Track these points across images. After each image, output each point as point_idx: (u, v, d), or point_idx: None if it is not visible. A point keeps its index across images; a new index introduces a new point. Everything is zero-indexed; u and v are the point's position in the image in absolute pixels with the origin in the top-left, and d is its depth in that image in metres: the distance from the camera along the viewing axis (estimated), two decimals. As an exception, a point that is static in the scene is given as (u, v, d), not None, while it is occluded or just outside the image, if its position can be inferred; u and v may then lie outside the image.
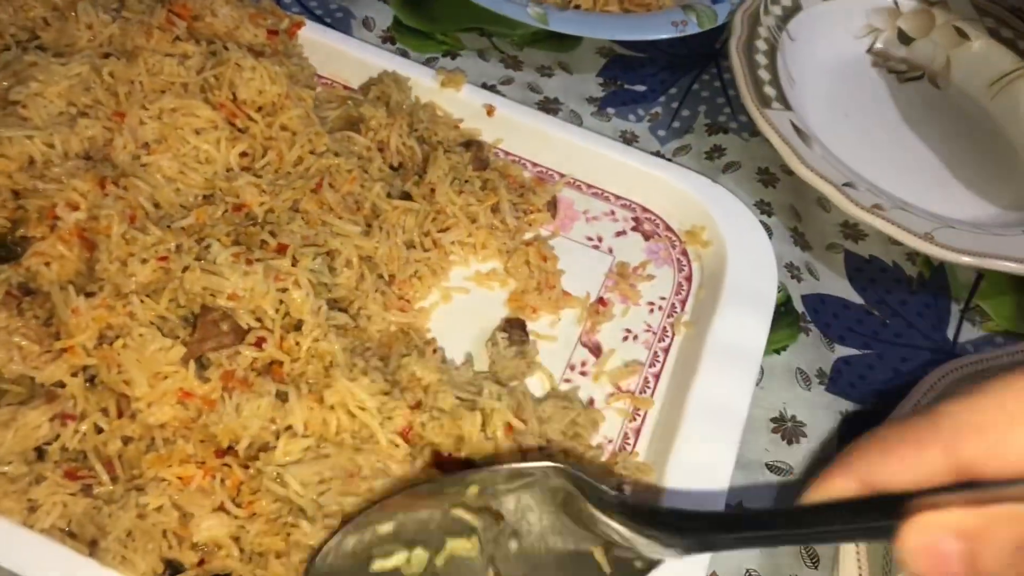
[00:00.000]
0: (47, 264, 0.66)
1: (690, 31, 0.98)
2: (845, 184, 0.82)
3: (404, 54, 0.98)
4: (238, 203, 0.73)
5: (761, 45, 0.95)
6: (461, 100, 0.90)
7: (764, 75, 0.91)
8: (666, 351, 0.79)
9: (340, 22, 0.99)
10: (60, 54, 0.76)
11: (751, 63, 0.92)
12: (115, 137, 0.72)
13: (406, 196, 0.79)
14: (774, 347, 0.80)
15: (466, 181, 0.81)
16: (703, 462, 0.68)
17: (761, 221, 0.85)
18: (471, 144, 0.85)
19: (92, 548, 0.60)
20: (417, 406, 0.64)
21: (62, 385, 0.63)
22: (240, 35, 0.82)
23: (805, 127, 0.88)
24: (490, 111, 0.88)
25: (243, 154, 0.76)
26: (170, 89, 0.76)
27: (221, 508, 0.61)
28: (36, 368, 0.62)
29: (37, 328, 0.63)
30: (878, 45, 1.08)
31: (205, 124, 0.75)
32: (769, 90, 0.90)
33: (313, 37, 0.91)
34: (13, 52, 0.76)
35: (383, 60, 0.91)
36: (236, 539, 0.61)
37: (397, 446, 0.62)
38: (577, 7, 1.02)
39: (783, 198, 0.91)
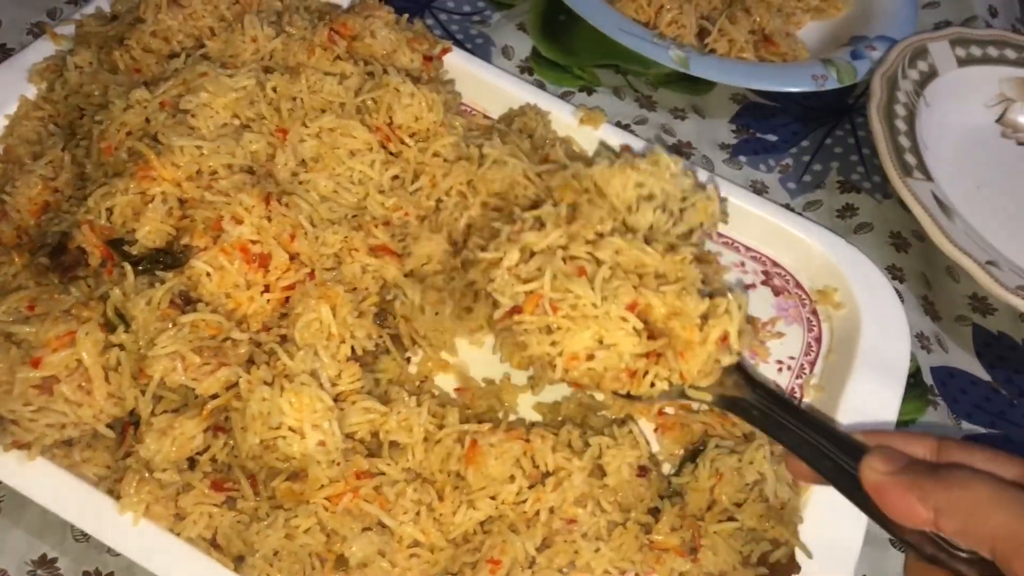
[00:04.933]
0: (208, 275, 0.67)
1: (829, 86, 0.97)
2: (988, 262, 0.81)
3: (541, 86, 0.98)
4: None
5: (900, 110, 0.94)
6: (598, 138, 0.90)
7: (904, 142, 0.91)
8: (794, 413, 0.78)
9: (480, 48, 1.00)
10: (224, 65, 0.78)
11: (892, 129, 0.91)
12: (277, 153, 0.73)
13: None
14: (902, 419, 0.79)
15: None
16: (832, 539, 0.67)
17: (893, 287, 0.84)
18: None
19: (237, 563, 0.61)
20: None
21: (215, 396, 0.64)
22: (397, 59, 0.83)
23: (946, 199, 0.87)
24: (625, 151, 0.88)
25: (394, 177, 0.77)
26: (329, 108, 0.77)
27: (368, 528, 0.62)
28: (195, 380, 0.63)
29: (198, 339, 0.64)
30: (1008, 115, 1.07)
31: (361, 146, 0.76)
32: (910, 158, 0.89)
33: (457, 63, 0.91)
34: (182, 59, 0.78)
35: (524, 92, 0.91)
36: (383, 554, 0.62)
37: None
38: (712, 51, 1.02)
39: (914, 265, 0.90)
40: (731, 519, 0.65)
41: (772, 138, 1.00)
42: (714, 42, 1.02)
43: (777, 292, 0.86)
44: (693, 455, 0.68)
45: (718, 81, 0.96)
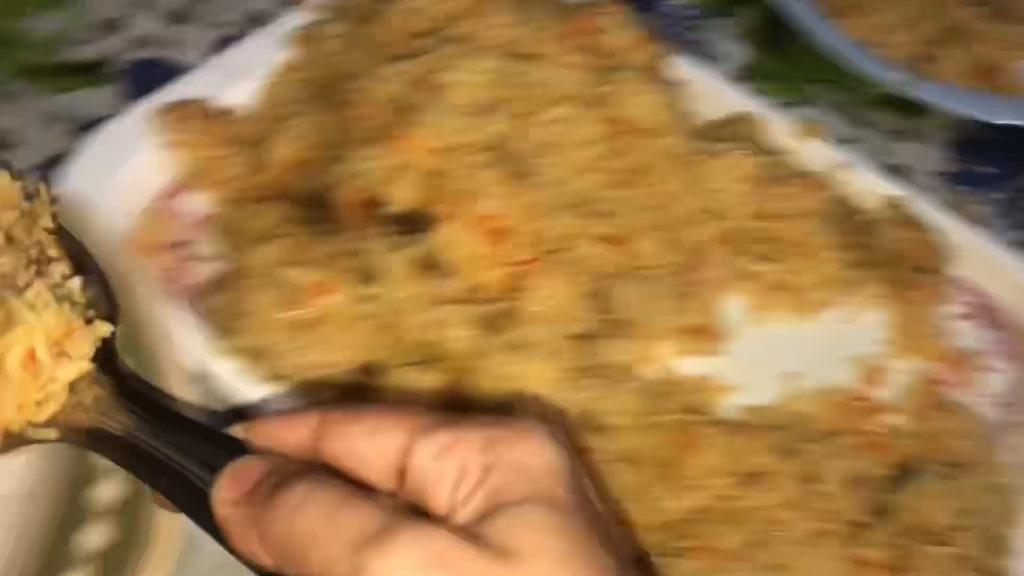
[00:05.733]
0: (449, 243, 0.70)
1: (1056, 122, 0.94)
2: None
3: (757, 95, 0.98)
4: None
5: None
6: (813, 152, 0.89)
7: None
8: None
9: (698, 53, 1.01)
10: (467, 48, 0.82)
11: None
12: (516, 136, 0.76)
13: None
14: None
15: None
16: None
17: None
18: (825, 199, 0.85)
19: None
20: None
21: (448, 357, 0.68)
22: (627, 57, 0.85)
23: None
24: (842, 168, 0.88)
25: (622, 171, 0.79)
26: (562, 98, 0.80)
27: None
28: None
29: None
30: None
31: (591, 138, 0.78)
32: None
33: (678, 66, 0.93)
34: (430, 39, 0.82)
35: (741, 100, 0.92)
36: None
37: None
38: (933, 77, 1.00)
39: None
40: (942, 543, 0.65)
41: (990, 170, 0.98)
42: (936, 67, 1.00)
43: (988, 326, 0.84)
44: (905, 475, 0.68)
45: (938, 106, 0.95)
